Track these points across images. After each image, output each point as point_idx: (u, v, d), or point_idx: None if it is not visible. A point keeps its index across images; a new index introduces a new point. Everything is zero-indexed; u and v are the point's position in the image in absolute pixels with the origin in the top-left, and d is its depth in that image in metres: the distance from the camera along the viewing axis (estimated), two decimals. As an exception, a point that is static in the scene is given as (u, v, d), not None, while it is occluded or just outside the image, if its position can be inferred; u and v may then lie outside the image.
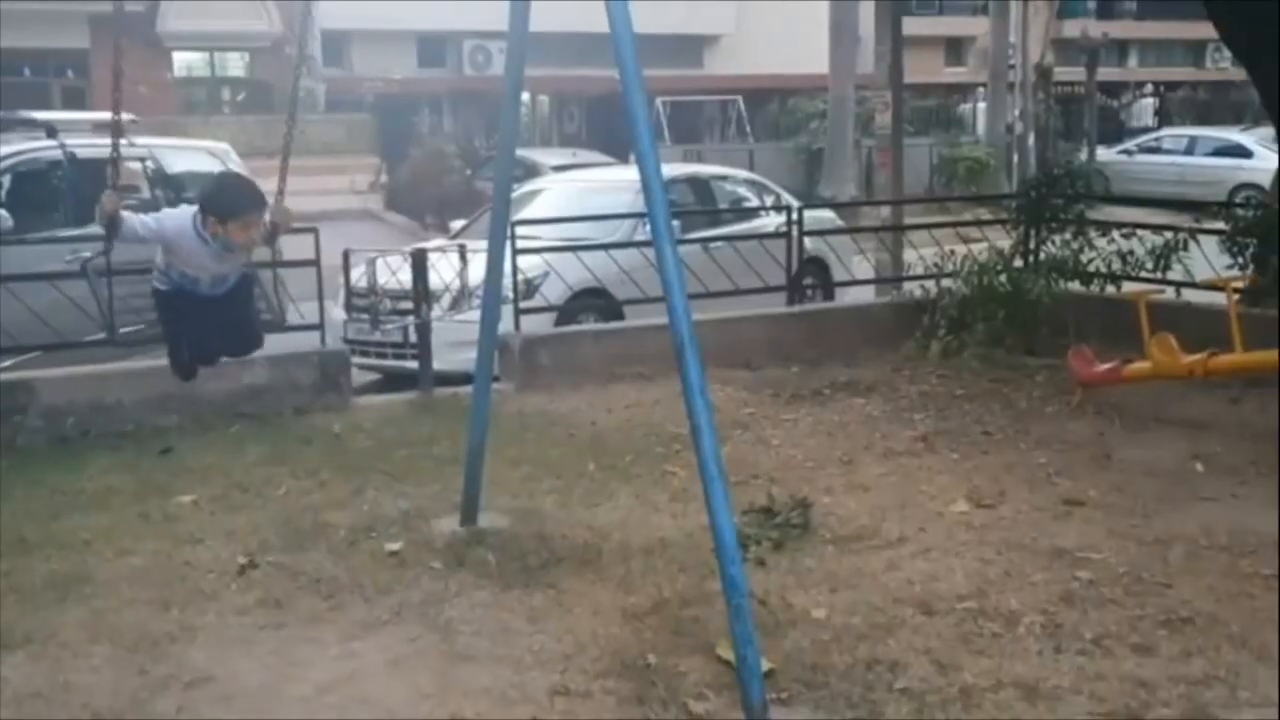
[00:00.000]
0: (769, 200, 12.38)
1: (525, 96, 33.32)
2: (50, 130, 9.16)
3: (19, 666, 4.30)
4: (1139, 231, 9.28)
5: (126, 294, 5.39)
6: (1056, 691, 4.02)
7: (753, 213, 11.94)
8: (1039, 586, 4.88)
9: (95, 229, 8.96)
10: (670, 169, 11.69)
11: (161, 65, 30.88)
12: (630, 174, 10.98)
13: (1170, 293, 8.77)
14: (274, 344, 4.84)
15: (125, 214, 4.81)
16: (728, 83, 33.66)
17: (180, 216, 4.88)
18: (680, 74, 32.40)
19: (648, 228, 4.50)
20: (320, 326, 8.17)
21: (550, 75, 28.86)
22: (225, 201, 4.79)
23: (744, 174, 13.97)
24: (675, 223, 4.64)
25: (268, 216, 4.93)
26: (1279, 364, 6.73)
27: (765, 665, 4.00)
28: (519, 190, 11.40)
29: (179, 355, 5.17)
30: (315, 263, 7.75)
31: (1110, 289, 9.15)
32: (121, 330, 5.18)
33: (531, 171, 18.21)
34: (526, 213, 10.38)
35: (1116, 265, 9.13)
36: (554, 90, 34.99)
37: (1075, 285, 9.32)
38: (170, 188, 10.05)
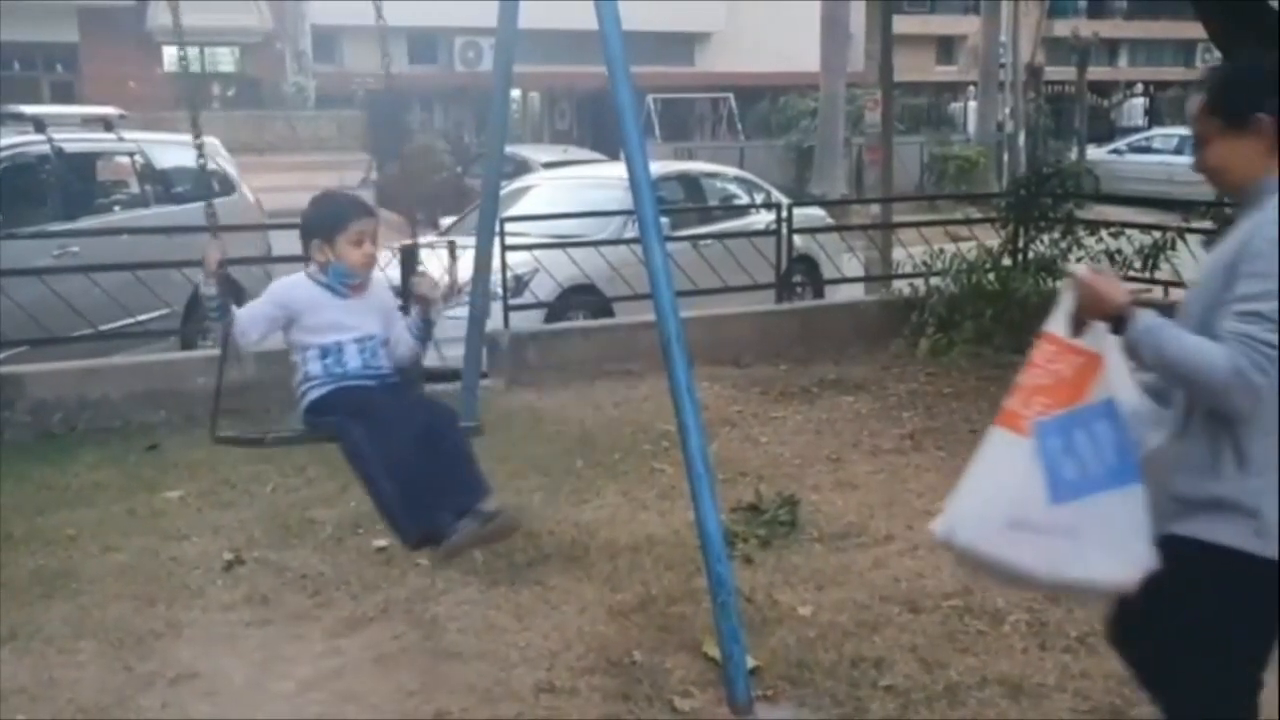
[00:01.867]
0: (759, 198, 12.39)
1: (516, 93, 33.40)
2: (39, 124, 9.13)
3: (4, 662, 4.29)
4: (1127, 230, 9.31)
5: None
6: (1041, 689, 4.03)
7: (742, 210, 11.95)
8: (1025, 584, 4.89)
9: (85, 224, 9.09)
10: (660, 166, 11.70)
11: (151, 60, 30.86)
12: (621, 171, 10.93)
13: (1158, 292, 8.80)
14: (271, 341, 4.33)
15: (235, 311, 3.92)
16: (719, 80, 33.72)
17: (287, 279, 4.15)
18: (671, 71, 32.46)
19: (638, 224, 4.50)
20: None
21: (542, 72, 28.91)
22: (326, 215, 4.05)
23: (734, 171, 13.98)
24: (665, 220, 4.65)
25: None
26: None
27: (751, 662, 4.01)
28: (510, 187, 11.41)
29: (357, 454, 3.84)
30: (304, 259, 7.71)
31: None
32: (272, 435, 4.18)
33: (522, 168, 18.18)
34: (517, 209, 10.38)
35: (1105, 264, 9.14)
36: (545, 87, 35.03)
37: (1064, 284, 9.33)
38: (159, 182, 10.06)
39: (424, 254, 8.56)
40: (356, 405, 3.87)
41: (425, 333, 4.16)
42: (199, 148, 4.16)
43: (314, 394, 3.96)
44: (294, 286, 4.03)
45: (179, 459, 6.66)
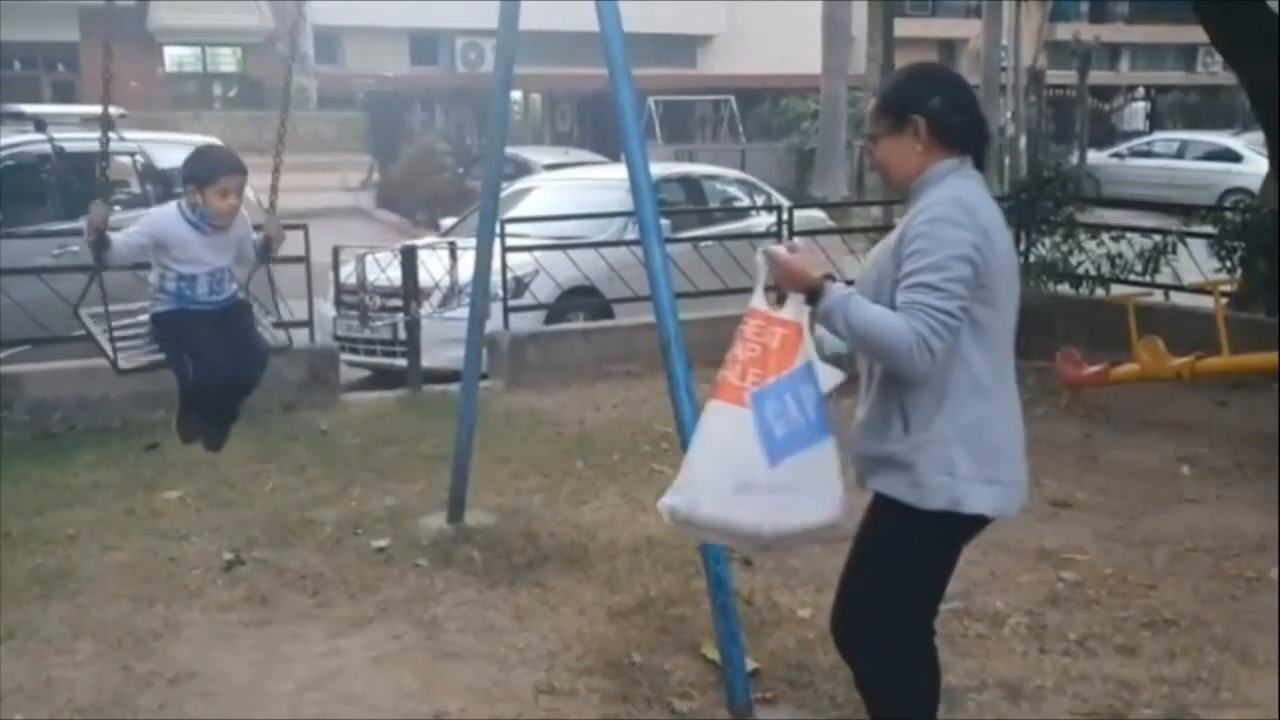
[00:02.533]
0: (760, 200, 12.38)
1: (518, 95, 33.43)
2: (39, 124, 9.12)
3: (2, 661, 4.28)
4: (1128, 234, 9.30)
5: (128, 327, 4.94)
6: (1040, 692, 4.03)
7: (743, 212, 11.94)
8: (1024, 587, 4.89)
9: (84, 223, 9.06)
10: (661, 168, 11.68)
11: (152, 60, 30.87)
12: (621, 172, 10.90)
13: (1158, 296, 8.80)
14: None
15: (111, 236, 4.60)
16: (720, 82, 33.70)
17: (165, 208, 4.80)
18: (672, 73, 32.49)
19: (639, 226, 4.49)
20: (309, 323, 8.15)
21: (543, 73, 28.93)
22: (201, 166, 4.68)
23: (735, 173, 13.96)
24: (665, 222, 4.65)
25: (252, 216, 4.83)
26: (1279, 366, 6.77)
27: (750, 664, 4.00)
28: (510, 188, 11.40)
29: (183, 379, 4.71)
30: (305, 259, 7.72)
31: (1099, 291, 9.17)
32: (123, 364, 4.72)
33: (523, 169, 18.18)
34: (517, 210, 10.37)
35: (1106, 268, 9.15)
36: (546, 88, 35.02)
37: (1064, 288, 9.34)
38: (160, 182, 10.04)
39: (424, 254, 8.62)
40: (190, 333, 4.64)
41: (264, 257, 4.91)
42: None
43: (163, 307, 4.68)
44: (166, 222, 4.65)
45: (178, 459, 6.64)
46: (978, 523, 2.97)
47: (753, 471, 2.93)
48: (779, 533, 3.01)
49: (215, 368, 4.63)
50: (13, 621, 4.59)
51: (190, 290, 4.66)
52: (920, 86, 3.00)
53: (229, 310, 4.75)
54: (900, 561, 3.00)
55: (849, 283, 2.95)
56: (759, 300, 3.01)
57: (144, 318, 4.83)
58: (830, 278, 2.89)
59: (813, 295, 2.89)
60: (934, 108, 2.94)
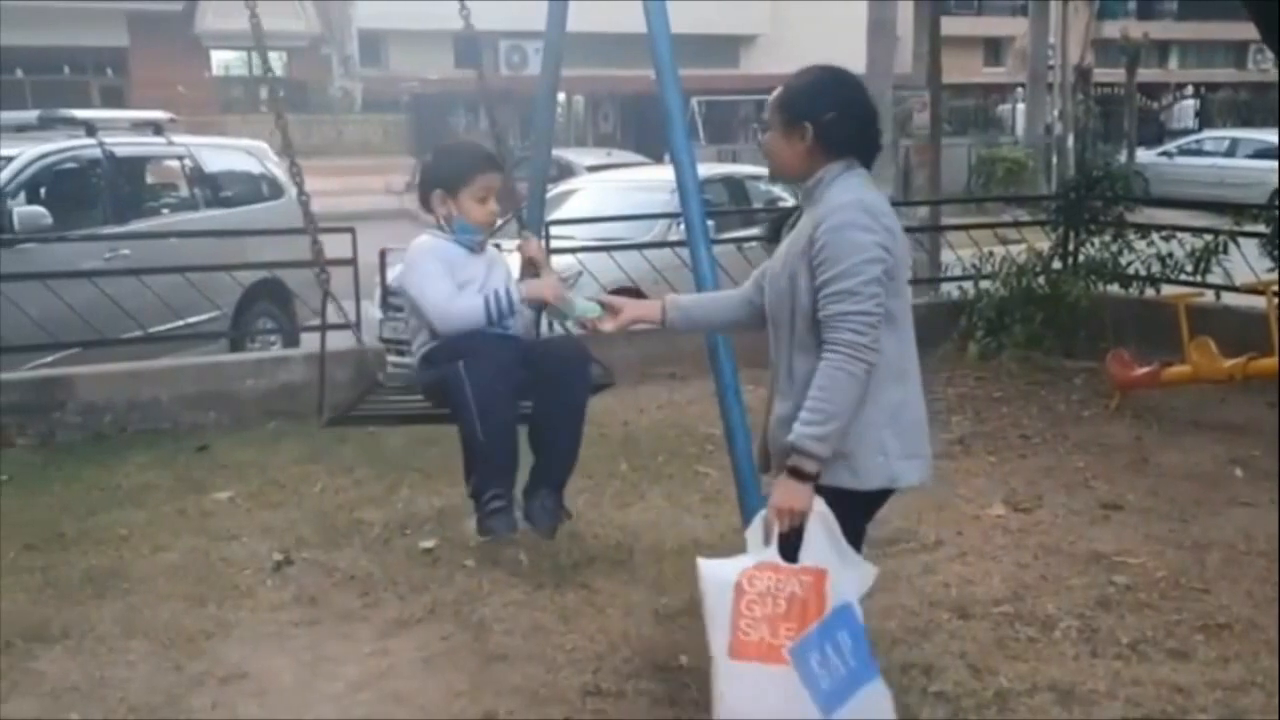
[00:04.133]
0: (805, 200, 12.33)
1: (560, 96, 33.44)
2: (89, 128, 9.24)
3: (56, 660, 4.34)
4: (1178, 234, 9.18)
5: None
6: (1092, 696, 3.99)
7: (788, 213, 11.90)
8: (1075, 591, 4.84)
9: (135, 227, 9.18)
10: (705, 169, 11.66)
11: (200, 64, 31.18)
12: (665, 174, 10.97)
13: (1210, 296, 8.69)
14: (311, 342, 4.37)
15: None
16: (764, 82, 33.42)
17: (421, 243, 3.98)
18: (715, 73, 32.42)
19: (682, 228, 4.48)
20: (356, 325, 8.19)
21: (585, 75, 28.92)
22: (448, 167, 3.93)
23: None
24: (709, 222, 4.63)
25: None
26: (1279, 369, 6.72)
27: (798, 667, 3.98)
28: (554, 190, 11.41)
29: (460, 401, 3.85)
30: (352, 262, 7.77)
31: (1149, 292, 9.07)
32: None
33: (566, 171, 18.22)
34: (561, 212, 10.39)
35: (1156, 268, 9.04)
36: (589, 90, 35.05)
37: (1114, 288, 9.24)
38: (208, 186, 10.15)
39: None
40: (475, 344, 3.80)
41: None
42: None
43: (436, 342, 3.89)
44: (442, 251, 3.88)
45: (228, 460, 6.71)
46: (886, 497, 3.23)
47: None
48: None
49: (499, 379, 3.84)
50: (67, 621, 4.64)
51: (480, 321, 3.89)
52: (816, 98, 3.14)
53: (525, 341, 4.13)
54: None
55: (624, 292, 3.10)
56: (769, 554, 3.06)
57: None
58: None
59: (805, 476, 3.02)
60: (825, 120, 3.10)
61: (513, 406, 3.92)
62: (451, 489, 6.22)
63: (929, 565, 5.11)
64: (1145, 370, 7.48)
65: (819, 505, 3.04)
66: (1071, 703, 3.95)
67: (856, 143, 3.16)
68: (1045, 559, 5.17)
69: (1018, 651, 4.31)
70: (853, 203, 3.04)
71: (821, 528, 3.04)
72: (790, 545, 3.06)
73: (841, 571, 3.05)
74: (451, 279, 3.84)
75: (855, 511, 3.17)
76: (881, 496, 3.23)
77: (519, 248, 4.29)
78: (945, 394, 7.91)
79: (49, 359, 7.87)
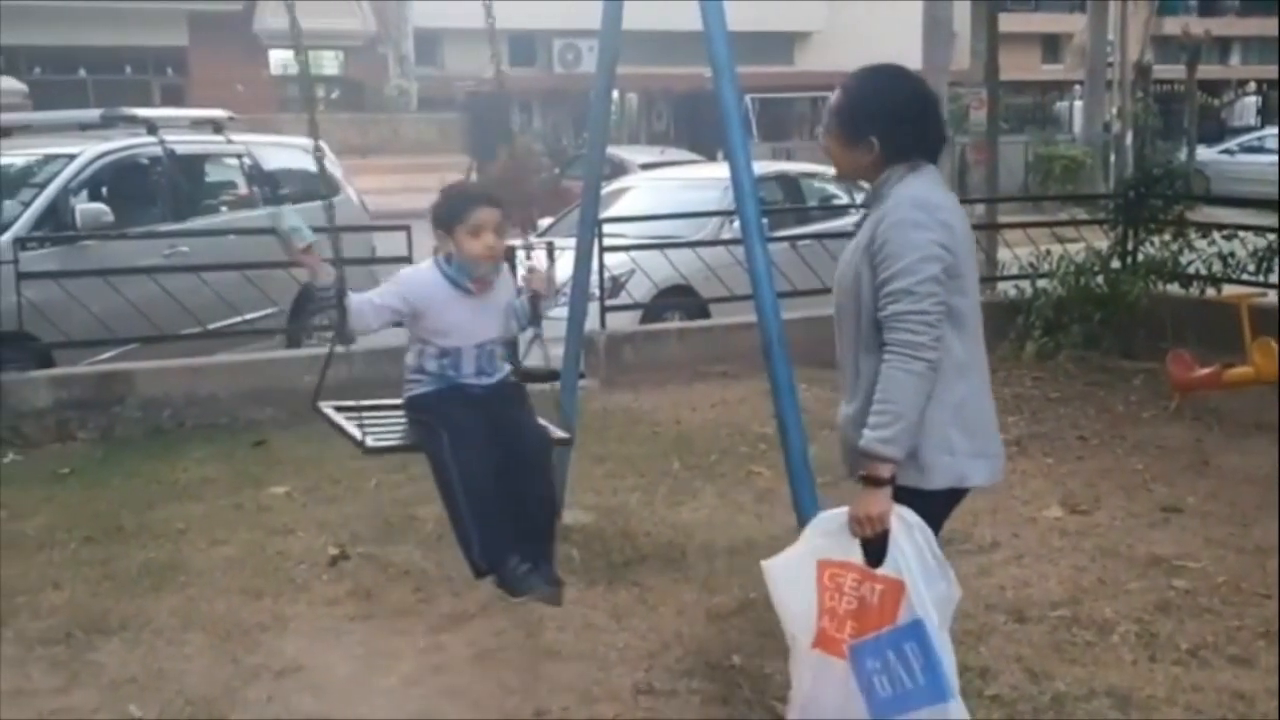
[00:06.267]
0: (859, 198, 12.25)
1: (614, 94, 33.50)
2: (150, 127, 9.35)
3: (115, 652, 4.40)
4: (1240, 233, 9.04)
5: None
6: (1151, 702, 3.93)
7: (842, 210, 11.83)
8: (1134, 595, 4.77)
9: (194, 224, 9.29)
10: (759, 166, 11.58)
11: (258, 63, 31.51)
12: (718, 171, 10.96)
13: (1273, 296, 8.54)
14: (368, 339, 4.33)
15: (351, 298, 3.87)
16: (818, 79, 33.34)
17: (419, 266, 4.09)
18: (770, 70, 32.29)
19: (735, 225, 4.47)
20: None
21: (639, 73, 28.93)
22: (446, 206, 4.00)
23: (833, 171, 13.84)
24: (764, 220, 4.61)
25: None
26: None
27: (852, 669, 3.95)
28: (607, 188, 11.41)
29: (442, 467, 3.90)
30: (408, 259, 7.82)
31: (1210, 291, 8.93)
32: (371, 443, 4.08)
33: (619, 169, 18.25)
34: (614, 210, 10.39)
35: (1217, 267, 8.90)
36: (642, 88, 35.07)
37: (1174, 288, 9.11)
38: (267, 183, 10.24)
39: (522, 254, 8.66)
40: (455, 415, 3.91)
41: (532, 319, 4.23)
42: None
43: (420, 390, 4.04)
44: (422, 282, 3.98)
45: (285, 455, 6.77)
46: (961, 496, 3.21)
47: None
48: None
49: (480, 457, 3.86)
50: (125, 614, 4.70)
51: (455, 370, 4.00)
52: (878, 108, 3.15)
53: (501, 394, 4.08)
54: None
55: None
56: (851, 554, 3.09)
57: (396, 402, 4.24)
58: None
59: (879, 481, 3.02)
60: (887, 130, 3.12)
61: (491, 480, 3.90)
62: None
63: (985, 567, 5.06)
64: (1206, 371, 7.37)
65: (912, 517, 3.04)
66: (1130, 708, 3.89)
67: (920, 145, 3.16)
68: (1103, 562, 5.11)
69: (1075, 656, 4.26)
70: (912, 201, 3.04)
71: (909, 539, 3.03)
72: (875, 549, 3.07)
73: (922, 587, 3.02)
74: (402, 303, 3.93)
75: (924, 514, 3.12)
76: (951, 498, 3.19)
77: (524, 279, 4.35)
78: (1001, 394, 7.79)
79: (109, 354, 7.98)
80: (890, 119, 3.13)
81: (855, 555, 3.09)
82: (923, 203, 3.04)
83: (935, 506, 3.15)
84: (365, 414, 4.20)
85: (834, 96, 3.27)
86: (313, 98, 4.45)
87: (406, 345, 4.13)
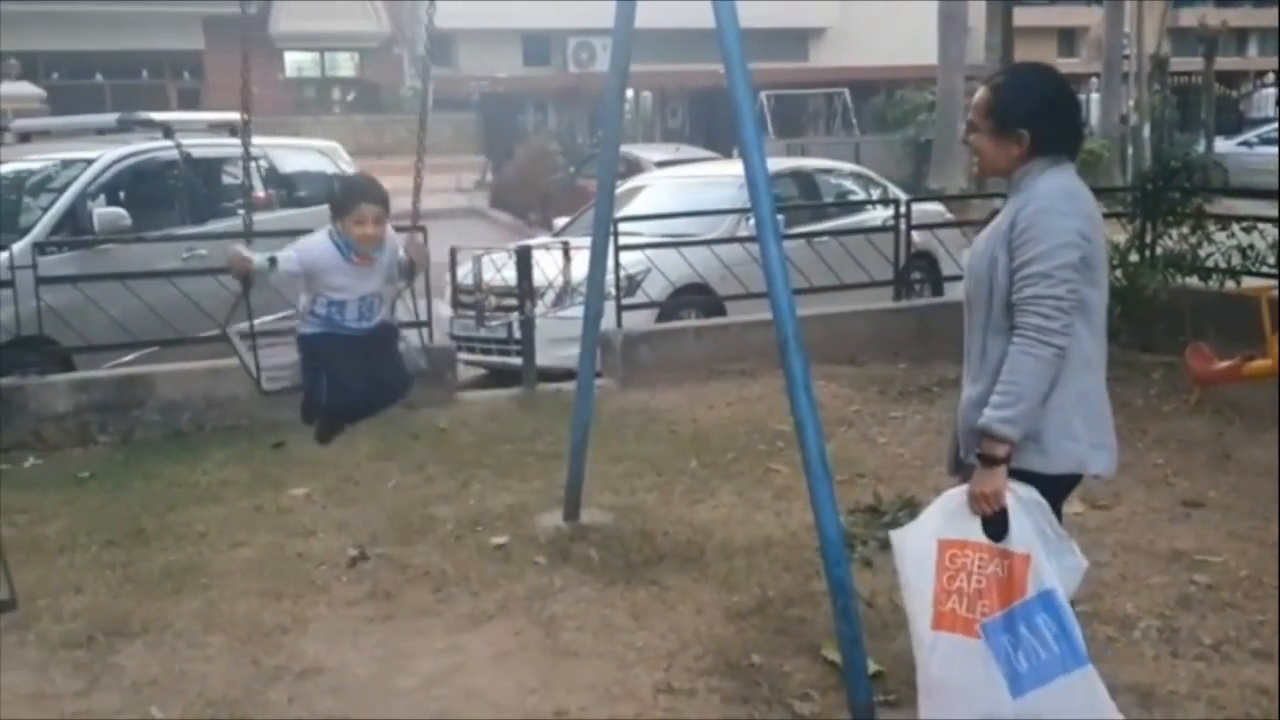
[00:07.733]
0: (875, 194, 12.23)
1: (629, 92, 33.51)
2: (167, 130, 9.38)
3: (136, 655, 4.42)
4: (1260, 225, 8.99)
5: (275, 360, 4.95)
6: (1173, 697, 3.92)
7: (858, 206, 11.81)
8: (1155, 590, 4.75)
9: (211, 227, 9.31)
10: (774, 163, 11.58)
11: (273, 66, 31.59)
12: (733, 169, 10.93)
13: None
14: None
15: (277, 256, 4.55)
16: (833, 75, 33.38)
17: (316, 234, 4.72)
18: (784, 67, 32.22)
19: (750, 223, 4.46)
20: (427, 323, 8.25)
21: (653, 70, 28.91)
22: (339, 196, 4.67)
23: (849, 167, 13.80)
24: (779, 217, 4.60)
25: (397, 237, 4.78)
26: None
27: (872, 666, 3.94)
28: (622, 187, 11.41)
29: (313, 404, 4.79)
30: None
31: (1229, 284, 8.88)
32: (266, 386, 4.75)
33: (634, 168, 18.22)
34: (629, 209, 10.38)
35: (1236, 260, 8.84)
36: (657, 86, 35.03)
37: (1193, 280, 9.06)
38: (283, 186, 10.27)
39: (538, 253, 8.67)
40: (334, 358, 4.64)
41: (408, 277, 4.85)
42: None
43: (310, 329, 4.69)
44: (317, 251, 4.59)
45: (304, 457, 6.78)
46: (1076, 483, 3.29)
47: (999, 707, 3.08)
48: None
49: (351, 395, 4.68)
50: (147, 616, 4.72)
51: (340, 315, 4.65)
52: (1030, 105, 3.25)
53: (375, 335, 4.75)
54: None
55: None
56: (970, 533, 3.17)
57: (290, 339, 4.86)
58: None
59: (995, 460, 3.10)
60: (1037, 124, 3.22)
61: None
62: (522, 485, 6.27)
63: (1004, 563, 5.04)
64: (1226, 364, 7.33)
65: (1031, 493, 3.11)
66: (1152, 704, 3.88)
67: (1064, 140, 3.28)
68: (1124, 557, 5.08)
69: (1096, 651, 4.20)
70: (1056, 190, 3.15)
71: (1027, 514, 3.10)
72: (995, 526, 3.13)
73: (1046, 559, 3.08)
74: (299, 266, 4.56)
75: (1044, 497, 3.18)
76: (1069, 483, 3.27)
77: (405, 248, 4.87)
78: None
79: (129, 358, 8.02)
80: (1041, 114, 3.23)
81: (974, 534, 3.16)
82: (1068, 192, 3.15)
83: (1054, 491, 3.21)
84: (264, 344, 4.81)
85: (980, 93, 3.39)
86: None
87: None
